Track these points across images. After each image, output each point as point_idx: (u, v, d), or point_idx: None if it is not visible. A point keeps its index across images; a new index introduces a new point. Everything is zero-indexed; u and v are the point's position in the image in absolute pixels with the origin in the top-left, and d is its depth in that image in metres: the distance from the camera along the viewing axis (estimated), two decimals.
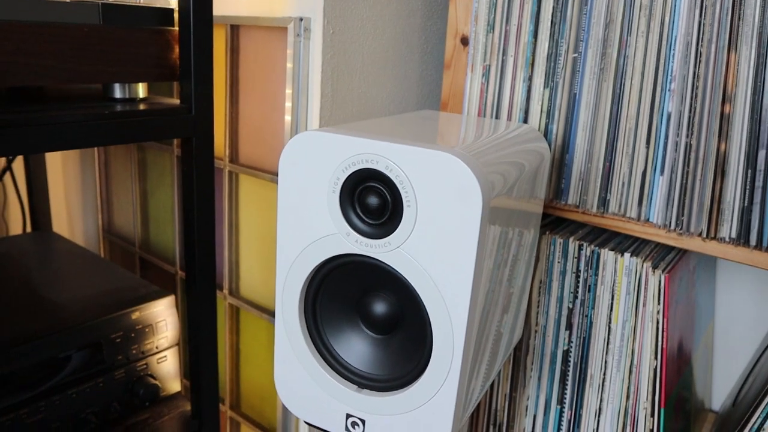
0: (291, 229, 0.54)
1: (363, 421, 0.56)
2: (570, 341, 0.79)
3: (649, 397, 0.73)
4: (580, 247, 0.75)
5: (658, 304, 0.70)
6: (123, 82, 0.64)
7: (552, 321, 0.79)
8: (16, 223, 1.01)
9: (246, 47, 0.83)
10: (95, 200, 1.12)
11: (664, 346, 0.71)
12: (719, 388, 0.98)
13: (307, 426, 0.87)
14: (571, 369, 0.79)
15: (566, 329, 0.79)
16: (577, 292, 0.77)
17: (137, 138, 0.62)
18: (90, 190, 1.12)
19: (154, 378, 0.76)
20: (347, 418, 0.57)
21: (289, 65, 0.77)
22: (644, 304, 0.72)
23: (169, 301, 0.77)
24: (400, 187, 0.49)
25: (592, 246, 0.74)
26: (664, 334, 0.71)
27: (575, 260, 0.76)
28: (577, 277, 0.76)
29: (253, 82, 0.83)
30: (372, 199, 0.50)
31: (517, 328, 0.73)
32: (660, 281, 0.70)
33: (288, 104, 0.79)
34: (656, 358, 0.72)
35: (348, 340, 0.57)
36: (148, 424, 0.76)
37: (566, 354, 0.79)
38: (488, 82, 0.78)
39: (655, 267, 0.71)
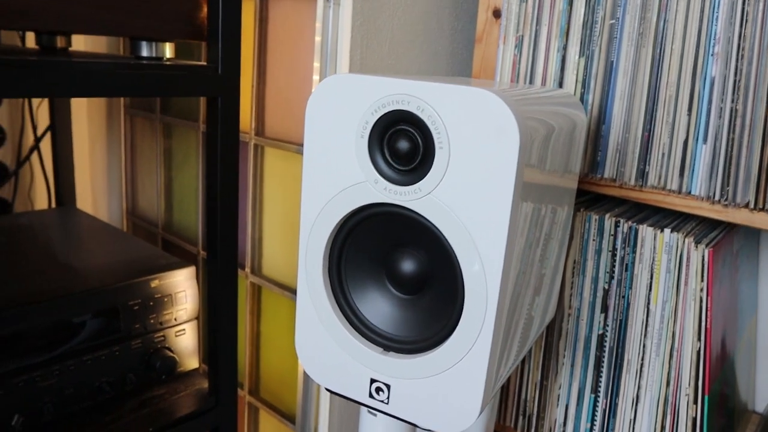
0: (317, 178, 0.52)
1: (388, 386, 0.53)
2: (606, 324, 0.75)
3: (692, 383, 0.69)
4: (616, 224, 0.72)
5: (702, 281, 0.67)
6: (150, 37, 0.63)
7: (586, 303, 0.76)
8: (42, 202, 1.00)
9: (275, 18, 0.82)
10: (120, 181, 1.12)
11: (708, 326, 0.67)
12: (763, 388, 0.93)
13: (327, 413, 0.84)
14: (606, 354, 0.75)
15: (602, 312, 0.75)
16: (614, 271, 0.73)
17: (162, 92, 0.61)
18: (115, 171, 1.11)
19: (172, 351, 0.74)
20: (371, 384, 0.54)
21: (318, 38, 0.76)
22: (686, 283, 0.68)
23: (189, 272, 0.75)
24: (432, 128, 0.46)
25: (630, 222, 0.71)
26: (708, 313, 0.67)
27: (611, 238, 0.73)
28: (614, 255, 0.73)
29: (281, 54, 0.82)
30: (402, 144, 0.48)
31: (550, 307, 0.70)
32: (704, 256, 0.66)
33: (316, 77, 0.78)
34: (699, 339, 0.68)
35: (374, 300, 0.54)
36: (163, 399, 0.73)
37: (601, 338, 0.75)
38: (521, 53, 0.76)
39: (698, 242, 0.67)
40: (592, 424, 0.78)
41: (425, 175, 0.47)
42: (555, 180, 0.57)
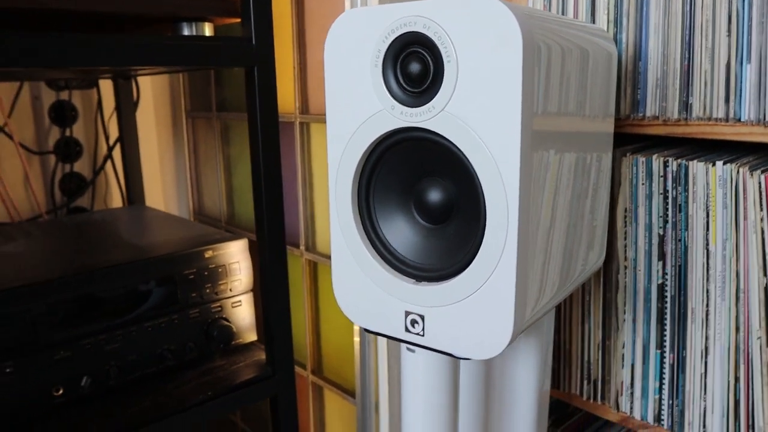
0: (339, 114, 0.54)
1: (422, 317, 0.53)
2: (664, 273, 0.71)
3: (763, 324, 0.64)
4: (665, 164, 0.69)
5: (761, 210, 0.62)
6: (188, 15, 0.68)
7: (642, 252, 0.72)
8: (115, 204, 1.08)
9: None
10: (186, 181, 1.18)
11: None
12: None
13: (386, 385, 0.84)
14: (668, 305, 0.71)
15: (659, 260, 0.71)
16: (667, 215, 0.70)
17: (202, 62, 0.65)
18: (182, 172, 1.18)
19: (229, 322, 0.77)
20: (406, 317, 0.54)
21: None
22: (745, 216, 0.64)
23: (242, 244, 0.78)
24: (438, 43, 0.47)
25: (679, 160, 0.68)
26: None
27: (661, 179, 0.70)
28: (665, 198, 0.70)
29: (318, 31, 0.85)
30: (414, 66, 0.49)
31: (594, 251, 0.67)
32: (760, 183, 0.62)
33: None
34: (766, 275, 0.63)
35: (403, 232, 0.55)
36: (223, 369, 0.76)
37: (661, 288, 0.72)
38: None
39: (753, 170, 0.63)
40: (661, 383, 0.74)
41: (437, 92, 0.48)
42: (584, 110, 0.56)
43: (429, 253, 0.53)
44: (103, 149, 1.07)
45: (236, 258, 0.77)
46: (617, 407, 0.78)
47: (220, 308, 0.76)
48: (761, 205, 0.62)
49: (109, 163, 1.07)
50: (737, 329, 0.67)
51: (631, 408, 0.77)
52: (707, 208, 0.67)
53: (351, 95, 0.53)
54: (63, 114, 1.04)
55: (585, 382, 0.81)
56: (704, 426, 0.71)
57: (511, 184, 0.46)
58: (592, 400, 0.80)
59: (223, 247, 0.76)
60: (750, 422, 0.67)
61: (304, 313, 0.92)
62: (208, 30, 0.71)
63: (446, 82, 0.47)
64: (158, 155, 1.14)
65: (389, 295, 0.54)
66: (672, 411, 0.74)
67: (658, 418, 0.75)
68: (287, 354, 0.75)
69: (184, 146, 1.16)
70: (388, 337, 0.56)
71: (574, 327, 0.80)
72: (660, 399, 0.74)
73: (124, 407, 0.68)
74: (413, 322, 0.53)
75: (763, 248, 0.63)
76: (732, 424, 0.69)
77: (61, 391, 0.66)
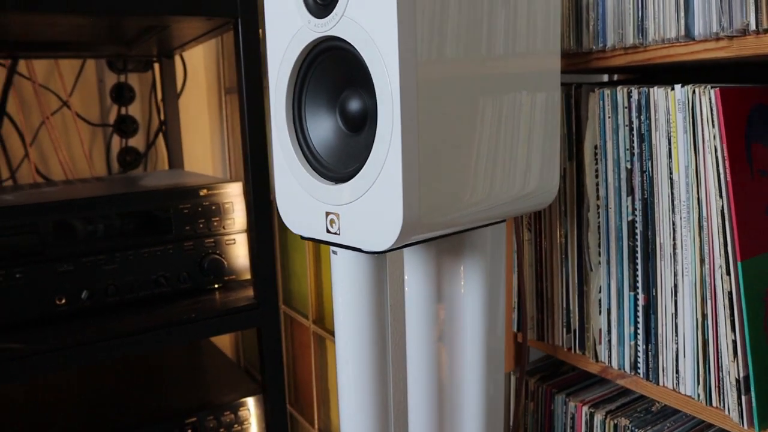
0: (274, 38, 0.59)
1: (337, 216, 0.56)
2: (634, 209, 0.69)
3: (722, 251, 0.60)
4: (629, 95, 0.68)
5: (713, 127, 0.60)
6: None
7: (612, 189, 0.71)
8: None
9: None
10: (224, 152, 1.28)
11: (729, 179, 0.59)
12: None
13: None
14: (639, 242, 0.69)
15: (628, 195, 0.69)
16: (633, 147, 0.68)
17: (186, 11, 0.73)
18: (221, 144, 1.28)
19: (221, 256, 0.84)
20: (326, 218, 0.57)
21: None
22: (703, 139, 0.61)
23: (237, 187, 0.85)
24: None
25: (641, 89, 0.66)
26: (727, 164, 0.59)
27: (626, 110, 0.68)
28: (631, 130, 0.68)
29: None
30: None
31: (533, 172, 0.65)
32: (711, 99, 0.60)
33: None
34: (721, 196, 0.60)
35: (327, 140, 0.59)
36: (214, 299, 0.83)
37: (632, 225, 0.69)
38: None
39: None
40: (636, 327, 0.71)
41: (338, 1, 0.52)
42: (500, 36, 0.58)
43: (346, 157, 0.57)
44: (156, 126, 1.21)
45: (229, 199, 0.84)
46: (596, 357, 0.75)
47: (213, 244, 0.83)
48: (713, 122, 0.60)
49: (160, 138, 1.20)
50: (702, 261, 0.63)
51: (609, 357, 0.74)
52: (669, 135, 0.65)
53: (281, 19, 0.58)
54: (122, 94, 1.18)
55: (565, 331, 0.79)
56: (677, 371, 0.67)
57: (393, 71, 0.49)
58: (573, 351, 0.78)
59: (218, 187, 0.83)
60: (718, 363, 0.63)
61: (306, 267, 0.97)
62: None
63: None
64: (201, 128, 1.26)
65: (314, 199, 0.58)
66: (647, 357, 0.70)
67: (634, 366, 0.72)
68: (272, 290, 0.81)
69: (222, 120, 1.26)
70: (317, 241, 0.59)
71: (555, 274, 0.79)
72: (636, 345, 0.71)
73: (119, 321, 0.77)
74: (332, 222, 0.57)
75: (718, 168, 0.60)
76: (702, 366, 0.65)
77: (63, 301, 0.75)
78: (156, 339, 0.74)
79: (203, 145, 1.25)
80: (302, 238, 0.61)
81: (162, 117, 1.19)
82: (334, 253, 0.59)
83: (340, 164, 0.57)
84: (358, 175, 0.54)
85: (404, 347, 0.74)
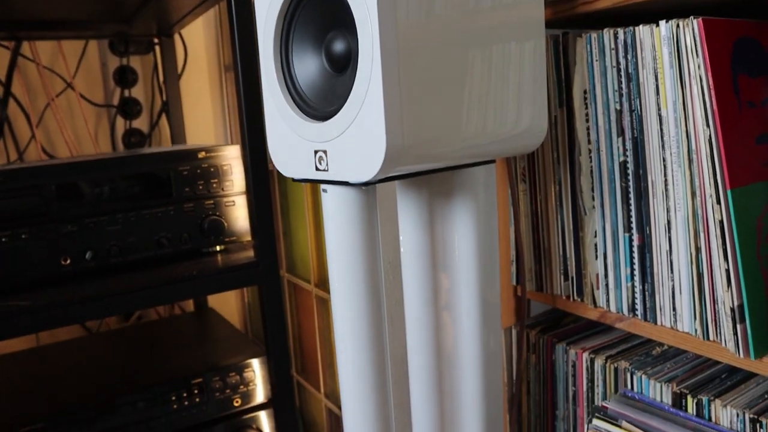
0: None
1: (325, 152, 0.57)
2: (625, 149, 0.69)
3: (711, 181, 0.60)
4: (615, 36, 0.68)
5: (697, 57, 0.60)
6: None
7: (603, 132, 0.71)
8: None
9: None
10: (226, 126, 1.30)
11: (715, 107, 0.59)
12: None
13: None
14: (632, 182, 0.69)
15: (618, 136, 0.70)
16: (621, 88, 0.68)
17: None
18: (222, 119, 1.29)
19: (221, 217, 0.85)
20: (315, 156, 0.59)
21: None
22: (689, 72, 0.62)
23: (235, 149, 0.86)
24: None
25: (627, 28, 0.67)
26: (712, 92, 0.59)
27: (613, 52, 0.69)
28: (619, 71, 0.68)
29: None
30: None
31: (524, 116, 0.66)
32: (694, 30, 0.60)
33: None
34: (708, 125, 0.60)
35: (314, 80, 0.60)
36: (215, 260, 0.84)
37: (623, 166, 0.70)
38: None
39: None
40: (632, 269, 0.71)
41: None
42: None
43: (332, 96, 0.58)
44: (159, 107, 1.23)
45: (228, 161, 0.85)
46: (594, 302, 0.76)
47: (213, 205, 0.85)
48: (697, 52, 0.60)
49: (163, 119, 1.22)
50: (693, 194, 0.63)
51: (607, 301, 0.74)
52: (656, 72, 0.65)
53: None
54: (125, 77, 1.20)
55: (563, 279, 0.79)
56: (674, 308, 0.67)
57: (374, 21, 0.50)
58: (572, 299, 0.78)
59: (216, 150, 0.85)
60: (714, 296, 0.63)
61: (307, 231, 0.99)
62: None
63: None
64: (203, 107, 1.28)
65: (302, 139, 0.59)
66: (644, 298, 0.70)
67: (632, 308, 0.72)
68: (271, 248, 0.82)
69: (223, 97, 1.28)
70: (308, 181, 0.61)
71: (551, 223, 0.79)
72: (632, 287, 0.71)
73: (123, 280, 0.78)
74: (320, 159, 0.58)
75: (704, 98, 0.60)
76: (698, 301, 0.65)
77: (68, 261, 0.77)
78: (159, 295, 0.76)
79: (206, 124, 1.27)
80: (294, 180, 0.63)
81: (164, 98, 1.21)
82: (325, 191, 0.60)
83: (326, 103, 0.58)
84: (342, 109, 0.55)
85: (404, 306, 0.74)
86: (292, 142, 0.61)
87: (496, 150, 0.64)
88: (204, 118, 1.27)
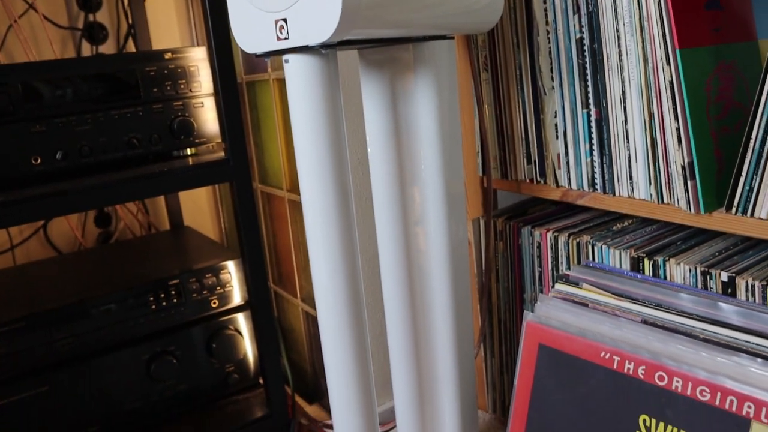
0: None
1: (285, 20, 0.58)
2: (581, 25, 0.71)
3: (661, 42, 0.63)
4: None
5: None
6: None
7: (560, 10, 0.73)
8: None
9: None
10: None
11: None
12: None
13: None
14: (588, 57, 0.71)
15: (574, 13, 0.71)
16: None
17: None
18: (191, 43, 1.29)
19: (190, 118, 0.86)
20: (276, 26, 0.59)
21: None
22: None
23: (202, 51, 0.87)
24: None
25: None
26: None
27: None
28: None
29: None
30: None
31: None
32: None
33: None
34: None
35: None
36: (187, 160, 0.85)
37: (580, 43, 0.72)
38: None
39: None
40: (590, 143, 0.73)
41: None
42: None
43: None
44: (125, 31, 1.22)
45: (195, 63, 0.86)
46: (556, 182, 0.78)
47: (182, 106, 0.85)
48: None
49: (130, 43, 1.21)
50: (645, 61, 0.66)
51: (569, 179, 0.77)
52: None
53: None
54: (89, 1, 1.19)
55: (526, 162, 0.82)
56: (631, 177, 0.70)
57: None
58: (535, 182, 0.81)
59: (182, 51, 0.85)
60: (667, 159, 0.66)
61: (277, 138, 1.00)
62: None
63: None
64: (170, 31, 1.27)
65: (263, 12, 0.60)
66: (603, 171, 0.73)
67: (592, 183, 0.74)
68: (241, 147, 0.83)
69: (190, 20, 1.27)
70: (269, 54, 0.62)
71: (513, 107, 0.81)
72: (592, 162, 0.74)
73: (96, 178, 0.79)
74: (281, 28, 0.59)
75: None
76: (652, 167, 0.68)
77: (39, 161, 0.78)
78: (131, 190, 0.77)
79: (174, 45, 1.27)
80: (256, 56, 0.64)
81: (130, 21, 1.20)
82: (287, 61, 0.62)
83: None
84: None
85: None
86: (253, 17, 0.61)
87: (455, 23, 0.65)
88: (172, 43, 1.26)
